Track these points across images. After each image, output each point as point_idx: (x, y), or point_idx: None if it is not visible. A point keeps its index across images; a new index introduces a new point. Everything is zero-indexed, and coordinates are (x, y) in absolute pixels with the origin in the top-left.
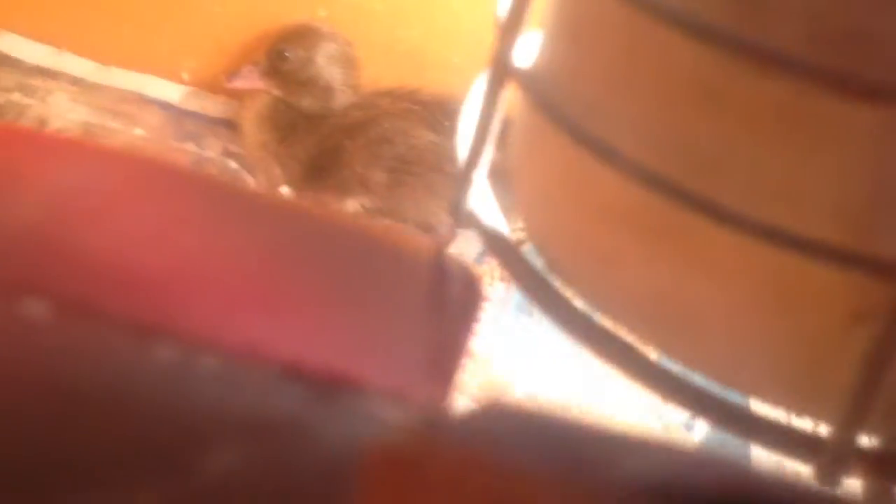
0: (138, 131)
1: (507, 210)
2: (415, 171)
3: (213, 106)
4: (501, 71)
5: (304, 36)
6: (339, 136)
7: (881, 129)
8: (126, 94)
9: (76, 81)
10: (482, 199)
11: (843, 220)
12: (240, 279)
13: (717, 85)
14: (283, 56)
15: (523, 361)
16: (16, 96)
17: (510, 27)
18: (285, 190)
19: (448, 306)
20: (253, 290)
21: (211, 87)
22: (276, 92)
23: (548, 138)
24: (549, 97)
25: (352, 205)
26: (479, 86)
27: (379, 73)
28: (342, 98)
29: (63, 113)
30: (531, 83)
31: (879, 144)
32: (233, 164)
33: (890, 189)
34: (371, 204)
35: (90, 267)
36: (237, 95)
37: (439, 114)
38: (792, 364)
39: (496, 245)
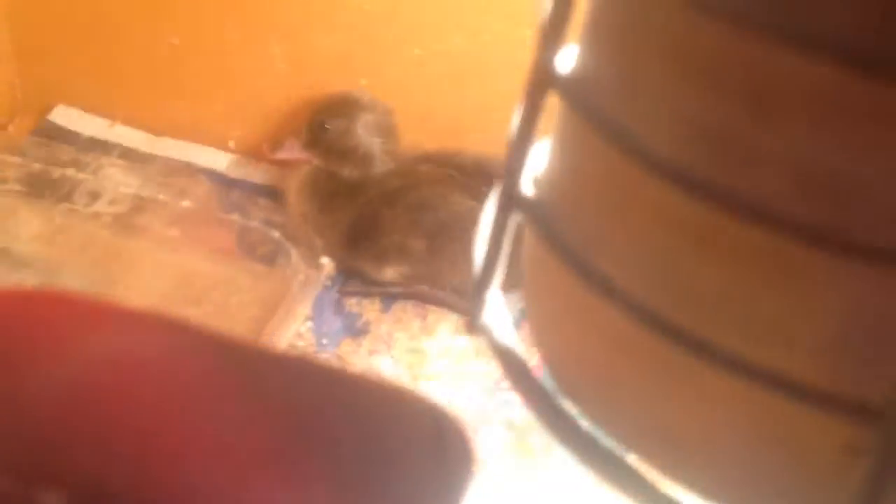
0: (186, 203)
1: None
2: (453, 236)
3: (257, 173)
4: (509, 200)
5: (343, 106)
6: (379, 204)
7: (864, 282)
8: (175, 164)
9: (128, 152)
10: (495, 313)
11: (832, 362)
12: (251, 452)
13: (706, 231)
14: (323, 127)
15: None
16: (70, 171)
17: (516, 156)
18: (325, 260)
19: (445, 471)
20: (262, 464)
21: (256, 154)
22: (318, 162)
23: (552, 264)
24: (551, 227)
25: (390, 272)
26: (489, 210)
27: (418, 139)
28: (382, 165)
29: (114, 186)
30: (536, 213)
31: (865, 295)
32: (275, 234)
33: (876, 336)
34: (409, 271)
35: (102, 451)
36: (281, 163)
37: (477, 179)
38: (792, 491)
39: (505, 361)
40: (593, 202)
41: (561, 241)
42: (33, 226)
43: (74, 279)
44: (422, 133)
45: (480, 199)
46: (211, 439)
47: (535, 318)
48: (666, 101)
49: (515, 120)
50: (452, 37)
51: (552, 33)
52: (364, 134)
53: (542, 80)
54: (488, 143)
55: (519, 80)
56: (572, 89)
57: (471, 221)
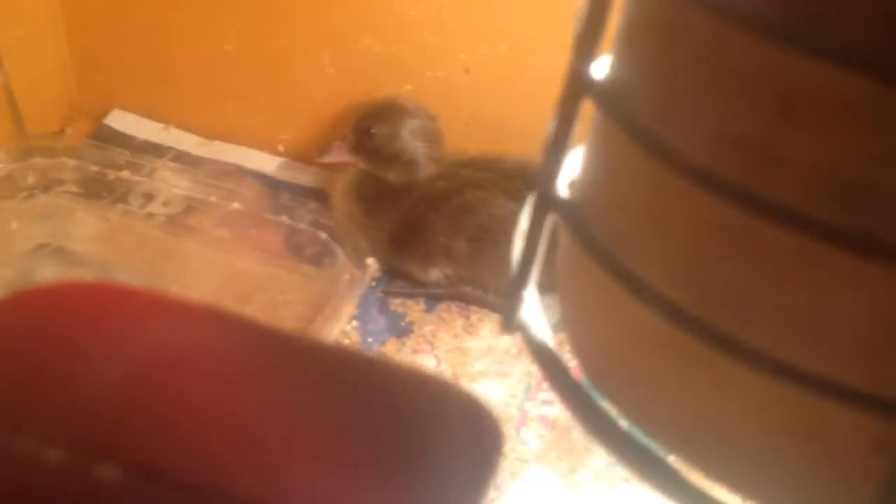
0: (236, 205)
1: (555, 323)
2: (495, 239)
3: (305, 176)
4: (545, 201)
5: (389, 112)
6: (424, 208)
7: (890, 283)
8: (226, 167)
9: (181, 155)
10: (532, 311)
11: (860, 361)
12: (296, 434)
13: (736, 233)
14: (369, 132)
15: None
16: (125, 174)
17: (552, 160)
18: (371, 261)
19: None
20: (305, 449)
21: (304, 157)
22: (364, 165)
23: (585, 264)
24: (585, 227)
25: (435, 274)
26: (527, 211)
27: (462, 143)
28: (426, 170)
29: (167, 188)
30: (570, 213)
31: (891, 296)
32: (323, 236)
33: None
34: (453, 273)
35: (157, 430)
36: (328, 166)
37: (519, 182)
38: (817, 486)
39: (542, 358)
40: (626, 204)
41: (594, 240)
42: (90, 226)
43: (128, 278)
44: (465, 137)
45: (522, 202)
46: (259, 422)
47: (570, 316)
48: (697, 107)
49: (552, 125)
50: (496, 42)
51: (587, 41)
52: (409, 139)
53: (576, 86)
54: (531, 148)
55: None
56: (606, 96)
57: (512, 224)
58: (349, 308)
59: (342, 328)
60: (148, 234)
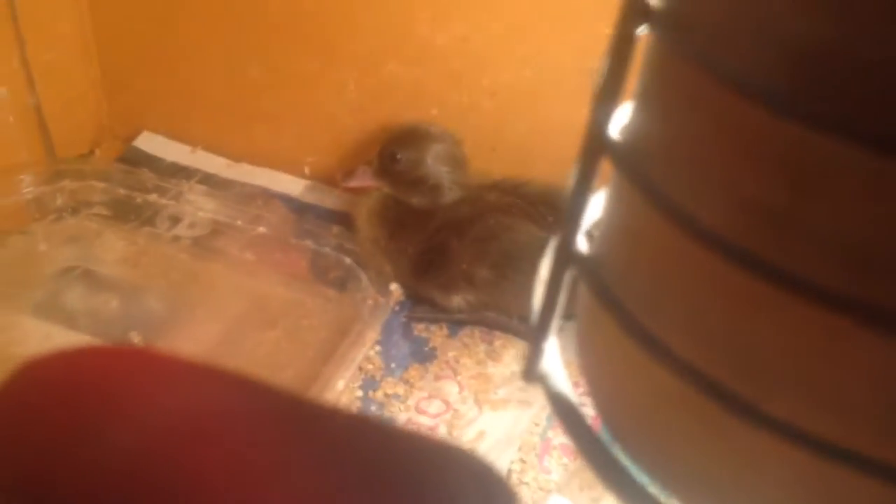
0: (262, 229)
1: (574, 372)
2: (519, 266)
3: (330, 199)
4: (564, 255)
5: (414, 137)
6: (447, 233)
7: None
8: (252, 189)
9: (208, 178)
10: (552, 362)
11: (885, 430)
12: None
13: (753, 298)
14: (394, 157)
15: None
16: (153, 197)
17: (572, 214)
18: (394, 286)
19: None
20: None
21: (329, 180)
22: (388, 190)
23: (604, 319)
24: (604, 284)
25: (456, 300)
26: (546, 264)
27: (488, 166)
28: (450, 195)
29: (194, 211)
30: (589, 270)
31: None
32: (347, 260)
33: None
34: (475, 300)
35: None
36: (352, 190)
37: (543, 208)
38: None
39: (561, 410)
40: (643, 264)
41: (612, 298)
42: (117, 249)
43: (155, 301)
44: (490, 162)
45: (545, 227)
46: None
47: (589, 367)
48: (713, 173)
49: (571, 179)
50: (521, 68)
51: (605, 99)
52: (434, 165)
53: (595, 144)
54: (556, 173)
55: (586, 111)
56: (623, 156)
57: (536, 250)
58: (373, 333)
59: (366, 353)
60: (174, 258)
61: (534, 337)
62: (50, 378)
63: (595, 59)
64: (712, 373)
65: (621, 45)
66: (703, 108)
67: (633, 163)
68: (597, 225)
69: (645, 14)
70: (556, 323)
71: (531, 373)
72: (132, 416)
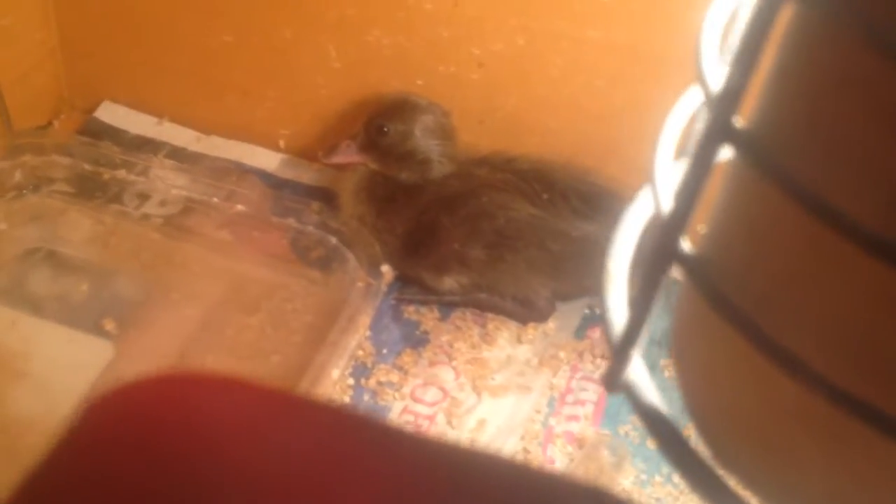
0: (240, 207)
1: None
2: (514, 246)
3: (308, 174)
4: (666, 254)
5: (402, 109)
6: (437, 210)
7: None
8: (225, 164)
9: (176, 151)
10: (639, 371)
11: None
12: None
13: None
14: (382, 130)
15: None
16: (120, 173)
17: (680, 211)
18: (385, 268)
19: None
20: None
21: (306, 154)
22: (374, 165)
23: (715, 323)
24: (717, 287)
25: (448, 282)
26: (645, 266)
27: (476, 140)
28: (440, 169)
29: (164, 187)
30: (699, 272)
31: None
32: (332, 240)
33: None
34: (469, 281)
35: None
36: (334, 165)
37: (538, 185)
38: None
39: (654, 423)
40: (772, 264)
41: (729, 302)
42: (83, 228)
43: (127, 285)
44: (478, 135)
45: (539, 205)
46: None
47: (690, 378)
48: (868, 165)
49: (685, 171)
50: (513, 37)
51: (736, 82)
52: (423, 138)
53: (717, 132)
54: (546, 147)
55: (580, 83)
56: (752, 143)
57: (531, 228)
58: (366, 319)
59: (359, 340)
60: (145, 237)
61: (621, 342)
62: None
63: (592, 28)
64: (855, 388)
65: (761, 17)
66: (859, 87)
67: (765, 151)
68: (705, 230)
69: None
70: (646, 328)
71: (614, 382)
72: (236, 465)
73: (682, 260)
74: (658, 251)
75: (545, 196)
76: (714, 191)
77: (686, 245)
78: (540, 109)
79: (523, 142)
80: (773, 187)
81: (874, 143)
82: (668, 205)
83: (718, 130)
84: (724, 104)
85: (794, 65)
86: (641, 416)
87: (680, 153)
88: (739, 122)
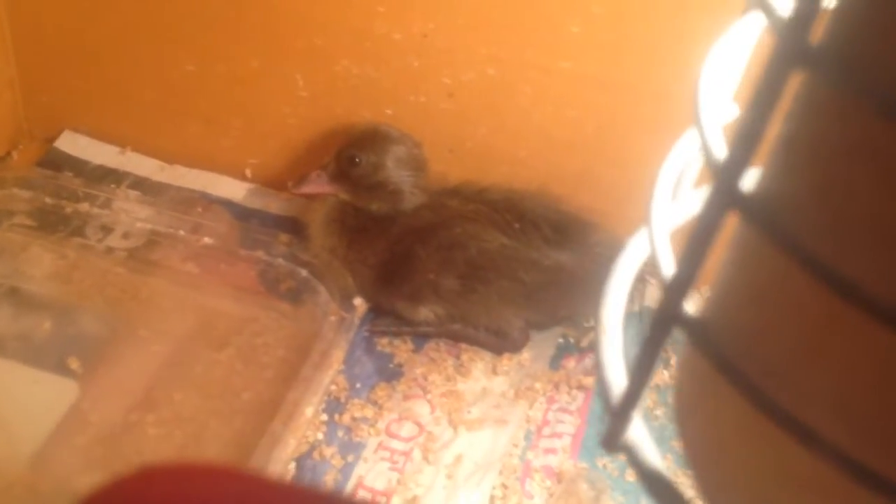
0: (207, 240)
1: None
2: (486, 276)
3: (276, 203)
4: (668, 317)
5: (373, 140)
6: (410, 241)
7: None
8: (190, 194)
9: (140, 182)
10: (639, 432)
11: None
12: None
13: None
14: (353, 161)
15: None
16: (83, 206)
17: (685, 270)
18: (357, 300)
19: None
20: None
21: (274, 184)
22: (345, 196)
23: (722, 388)
24: (724, 354)
25: (424, 312)
26: (649, 329)
27: (446, 169)
28: (412, 200)
29: (129, 221)
30: (704, 338)
31: None
32: (303, 272)
33: None
34: (444, 311)
35: None
36: (304, 195)
37: (509, 215)
38: None
39: (656, 488)
40: (782, 334)
41: (740, 372)
42: (45, 263)
43: (93, 321)
44: (449, 164)
45: (511, 235)
46: None
47: (697, 448)
48: (878, 229)
49: (692, 235)
50: (483, 67)
51: (744, 146)
52: (395, 169)
53: (724, 197)
54: (516, 177)
55: (550, 112)
56: (760, 212)
57: (504, 259)
58: (339, 354)
59: (333, 376)
60: (109, 271)
61: (621, 403)
62: None
63: (562, 58)
64: (874, 461)
65: (770, 88)
66: (870, 154)
67: (773, 218)
68: (710, 295)
69: (802, 57)
70: (646, 389)
71: (613, 442)
72: None
73: (686, 324)
74: (660, 314)
75: (517, 226)
76: (719, 250)
77: (690, 308)
78: (510, 139)
79: (494, 171)
80: (783, 255)
81: (886, 210)
82: (669, 267)
83: (724, 196)
84: (729, 171)
85: (803, 131)
86: (643, 479)
87: (675, 195)
88: (746, 187)
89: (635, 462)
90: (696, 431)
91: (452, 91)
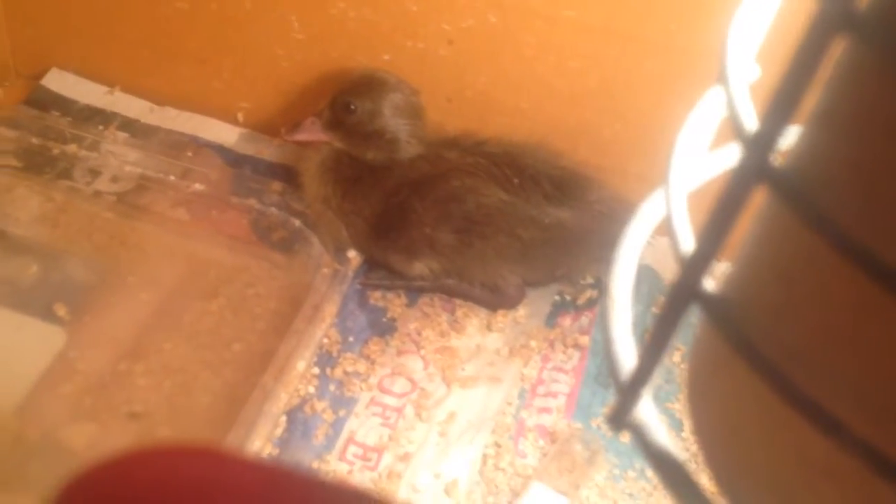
0: (197, 186)
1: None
2: (483, 232)
3: (269, 150)
4: (687, 292)
5: (370, 86)
6: (406, 193)
7: None
8: (180, 137)
9: (128, 123)
10: (648, 411)
11: None
12: None
13: None
14: (348, 108)
15: None
16: (71, 147)
17: (706, 245)
18: (353, 254)
19: None
20: None
21: (267, 129)
22: (339, 144)
23: (739, 370)
24: (744, 334)
25: (419, 267)
26: (665, 305)
27: (443, 119)
28: (408, 150)
29: (117, 164)
30: (723, 316)
31: None
32: (296, 223)
33: None
34: (439, 266)
35: None
36: (297, 142)
37: (509, 170)
38: None
39: (665, 468)
40: (808, 316)
41: (760, 354)
42: (32, 206)
43: (80, 267)
44: (447, 113)
45: (510, 190)
46: None
47: (709, 426)
48: None
49: (715, 209)
50: (485, 13)
51: (777, 118)
52: (391, 117)
53: (752, 168)
54: (516, 128)
55: (552, 63)
56: (791, 186)
57: (502, 215)
58: (332, 308)
59: (325, 330)
60: (97, 216)
61: (631, 380)
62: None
63: (566, 7)
64: (894, 452)
65: (808, 55)
66: None
67: (803, 195)
68: (730, 272)
69: (846, 21)
70: (659, 369)
71: (620, 420)
72: None
73: (705, 301)
74: (677, 290)
75: (516, 181)
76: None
77: (709, 285)
78: (511, 89)
79: (493, 122)
80: (813, 233)
81: None
82: (688, 240)
83: (754, 170)
84: (761, 143)
85: (842, 103)
86: (651, 461)
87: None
88: (777, 161)
89: (643, 443)
90: (708, 413)
91: (452, 38)
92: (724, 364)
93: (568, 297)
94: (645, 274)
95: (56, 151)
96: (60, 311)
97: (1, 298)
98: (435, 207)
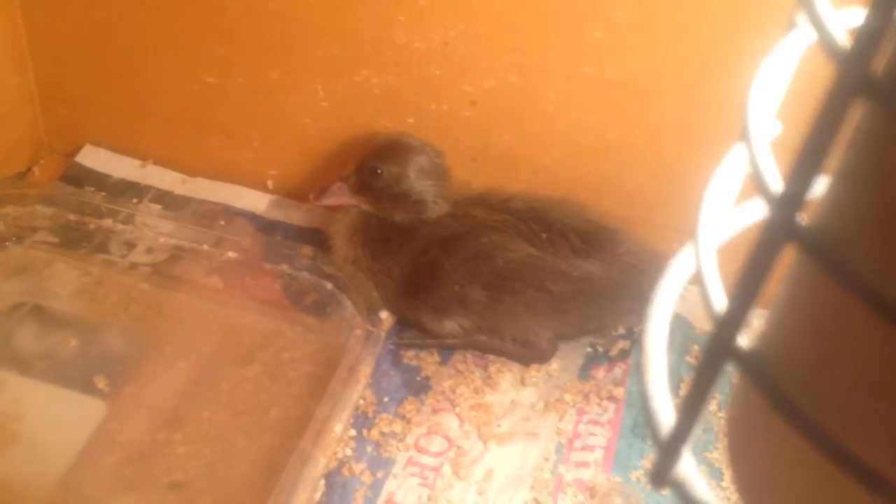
0: (230, 254)
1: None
2: (512, 287)
3: (298, 215)
4: (723, 350)
5: (395, 150)
6: (435, 252)
7: None
8: (212, 207)
9: (161, 195)
10: (689, 468)
11: None
12: None
13: None
14: (375, 172)
15: None
16: (106, 222)
17: (739, 303)
18: (385, 315)
19: None
20: None
21: (296, 195)
22: (368, 207)
23: (777, 426)
24: (781, 390)
25: (449, 325)
26: (700, 363)
27: (469, 177)
28: (435, 210)
29: (151, 235)
30: (759, 373)
31: None
32: (328, 286)
33: None
34: (470, 323)
35: None
36: (326, 206)
37: (536, 225)
38: None
39: None
40: (842, 370)
41: (798, 409)
42: (69, 280)
43: (118, 338)
44: (472, 172)
45: (538, 245)
46: None
47: (748, 480)
48: None
49: (744, 268)
50: (505, 74)
51: (801, 178)
52: (417, 179)
53: (781, 228)
54: (540, 184)
55: (574, 118)
56: (822, 246)
57: (531, 269)
58: (367, 369)
59: (361, 392)
60: (134, 288)
61: (672, 437)
62: None
63: (585, 64)
64: None
65: (829, 117)
66: None
67: (833, 253)
68: (765, 328)
69: (865, 86)
70: (699, 424)
71: (661, 478)
72: None
73: (740, 359)
74: (711, 348)
75: (544, 235)
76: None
77: (743, 342)
78: (534, 145)
79: (517, 178)
80: (844, 290)
81: None
82: (720, 298)
83: (781, 229)
84: (787, 203)
85: (863, 164)
86: None
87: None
88: (804, 219)
89: (686, 499)
90: (749, 466)
91: (475, 99)
92: (763, 418)
93: (600, 349)
94: (677, 323)
95: (92, 226)
96: (100, 383)
97: (42, 373)
98: (464, 265)
